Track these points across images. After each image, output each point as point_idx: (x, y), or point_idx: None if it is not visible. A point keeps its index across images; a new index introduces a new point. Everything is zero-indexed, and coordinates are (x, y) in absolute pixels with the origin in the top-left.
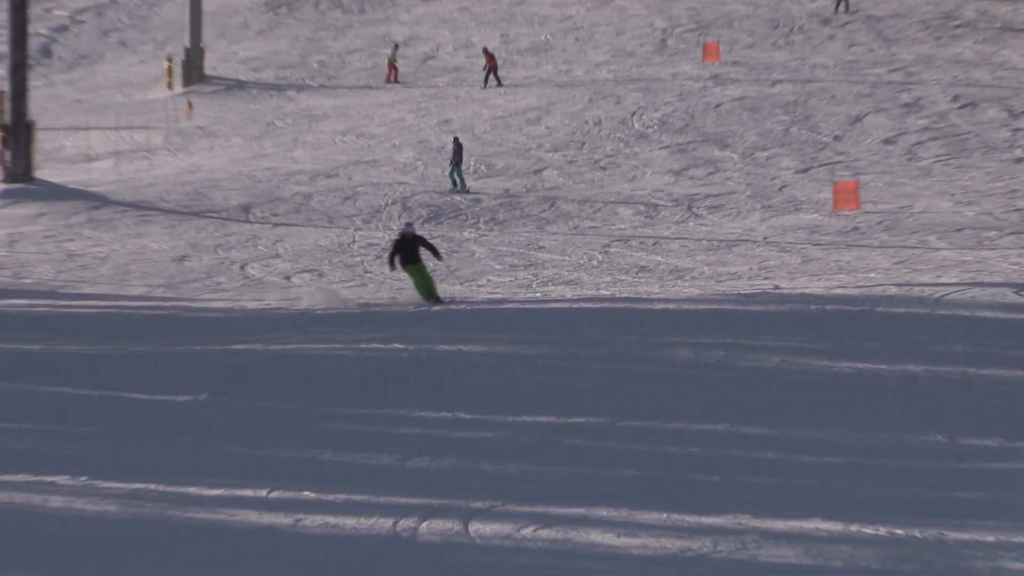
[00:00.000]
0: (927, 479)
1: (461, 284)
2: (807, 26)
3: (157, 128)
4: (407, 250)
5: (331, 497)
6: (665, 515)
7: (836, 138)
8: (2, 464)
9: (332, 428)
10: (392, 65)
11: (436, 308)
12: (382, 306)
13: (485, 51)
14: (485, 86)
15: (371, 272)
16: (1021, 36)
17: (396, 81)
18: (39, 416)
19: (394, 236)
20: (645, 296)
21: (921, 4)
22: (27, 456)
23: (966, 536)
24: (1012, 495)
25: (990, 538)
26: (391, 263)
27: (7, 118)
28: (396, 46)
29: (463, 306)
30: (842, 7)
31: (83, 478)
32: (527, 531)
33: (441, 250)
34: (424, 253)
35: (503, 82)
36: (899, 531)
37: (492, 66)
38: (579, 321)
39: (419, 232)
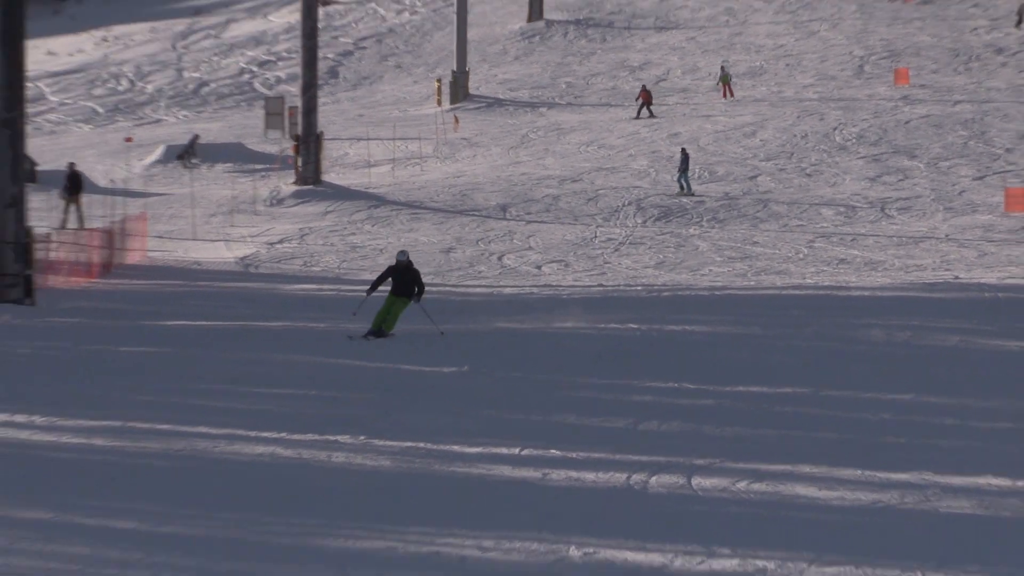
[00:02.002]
0: None
1: (689, 273)
2: (983, 55)
3: (428, 139)
4: (399, 280)
5: (574, 455)
6: (859, 472)
7: (1008, 150)
8: (292, 425)
9: (575, 396)
10: (726, 83)
11: (370, 338)
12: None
13: (643, 87)
14: (637, 117)
15: (610, 263)
16: None
17: (732, 95)
18: (325, 384)
19: (389, 262)
20: (844, 284)
21: None
22: (315, 419)
23: None
24: None
25: None
26: (373, 288)
27: (299, 130)
28: (723, 64)
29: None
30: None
31: (362, 437)
32: (741, 484)
33: (424, 291)
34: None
35: (655, 115)
36: None
37: (647, 100)
38: (787, 306)
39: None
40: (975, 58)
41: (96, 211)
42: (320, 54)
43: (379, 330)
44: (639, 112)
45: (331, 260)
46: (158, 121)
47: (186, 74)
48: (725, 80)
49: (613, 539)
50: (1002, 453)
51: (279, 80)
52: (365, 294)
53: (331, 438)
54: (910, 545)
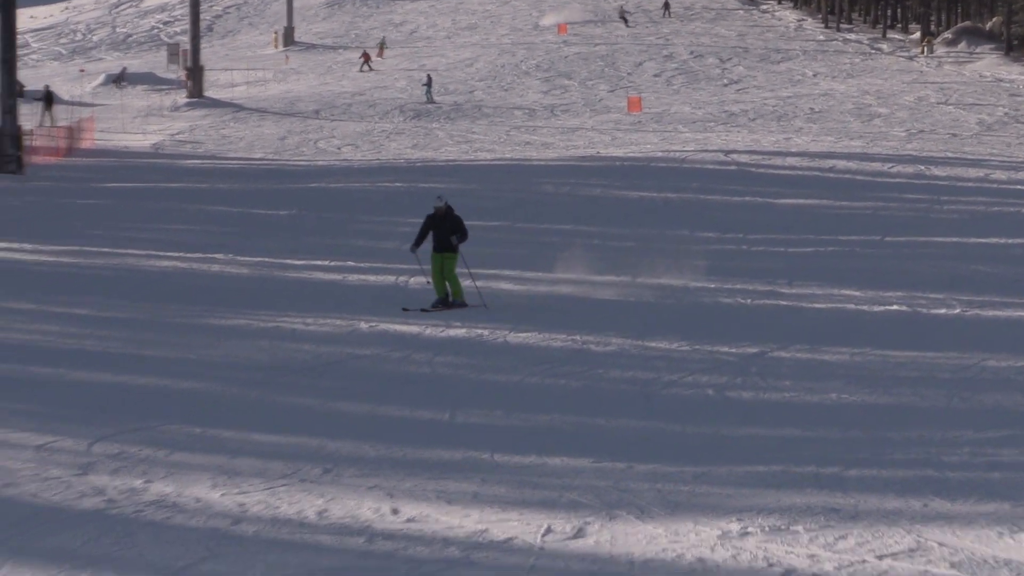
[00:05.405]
0: None
1: (433, 152)
2: (613, 17)
3: (269, 69)
4: (438, 232)
5: (362, 264)
6: (542, 273)
7: (628, 74)
8: (187, 248)
9: (362, 228)
10: (382, 48)
11: (439, 307)
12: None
13: (364, 51)
14: (361, 71)
15: (384, 145)
16: (727, 18)
17: (381, 56)
18: (206, 222)
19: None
20: (529, 158)
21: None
22: (200, 244)
23: None
24: None
25: None
26: (417, 244)
27: (189, 63)
28: (383, 38)
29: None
30: (667, 14)
31: (230, 255)
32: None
33: (467, 235)
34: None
35: (373, 69)
36: None
37: (367, 59)
38: (494, 171)
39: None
40: (608, 18)
41: (62, 115)
42: (201, 17)
43: (445, 298)
44: (362, 68)
45: (209, 145)
46: (100, 59)
47: (118, 30)
48: (381, 46)
49: (386, 317)
50: (616, 262)
51: (176, 33)
52: (410, 249)
53: (211, 256)
54: (499, 315)
